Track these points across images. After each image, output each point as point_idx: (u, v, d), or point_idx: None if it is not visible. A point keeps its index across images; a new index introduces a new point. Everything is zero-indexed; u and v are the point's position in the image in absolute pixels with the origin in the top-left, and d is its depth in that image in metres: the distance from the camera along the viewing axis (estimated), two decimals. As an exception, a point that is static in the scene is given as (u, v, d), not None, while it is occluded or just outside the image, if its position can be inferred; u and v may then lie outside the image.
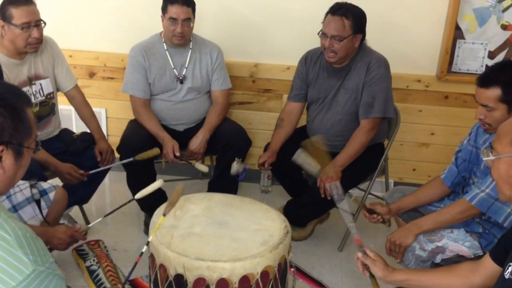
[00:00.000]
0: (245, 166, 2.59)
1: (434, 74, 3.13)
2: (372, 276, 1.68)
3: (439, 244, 1.93)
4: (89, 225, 2.22)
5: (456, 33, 3.00)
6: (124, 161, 2.57)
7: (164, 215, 1.87)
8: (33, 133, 1.27)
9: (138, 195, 2.10)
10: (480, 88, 1.85)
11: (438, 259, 1.92)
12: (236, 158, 2.56)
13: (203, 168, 2.69)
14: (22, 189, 2.11)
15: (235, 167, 2.54)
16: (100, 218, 2.15)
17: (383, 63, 2.57)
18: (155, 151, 2.57)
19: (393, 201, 2.26)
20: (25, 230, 1.14)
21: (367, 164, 2.70)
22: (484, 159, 1.36)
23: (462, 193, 2.10)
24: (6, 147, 1.19)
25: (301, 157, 2.49)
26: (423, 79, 3.13)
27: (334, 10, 2.48)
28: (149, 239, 1.79)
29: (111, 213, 2.18)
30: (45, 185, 2.21)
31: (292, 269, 1.93)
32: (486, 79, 1.85)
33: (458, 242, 1.91)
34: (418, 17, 3.04)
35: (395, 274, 1.63)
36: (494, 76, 1.83)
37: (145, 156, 2.54)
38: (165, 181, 2.94)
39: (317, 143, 2.48)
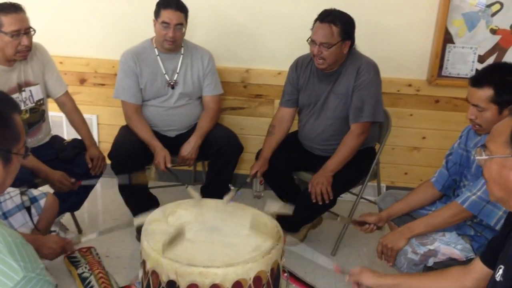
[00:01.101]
0: (238, 191, 2.58)
1: (424, 78, 3.15)
2: None
3: (431, 247, 1.93)
4: (82, 239, 2.16)
5: (446, 38, 3.02)
6: (120, 180, 2.57)
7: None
8: (21, 139, 1.26)
9: (136, 221, 2.07)
10: (473, 87, 1.86)
11: (430, 262, 1.93)
12: (232, 188, 2.58)
13: (195, 195, 2.49)
14: (12, 196, 2.09)
15: (229, 197, 2.45)
16: (94, 234, 2.13)
17: (373, 68, 2.59)
18: (152, 174, 2.59)
19: (385, 205, 2.26)
20: (15, 237, 1.13)
21: (358, 168, 2.70)
22: (476, 158, 1.36)
23: (453, 196, 2.11)
24: None
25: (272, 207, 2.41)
26: (414, 83, 3.15)
27: (322, 17, 2.49)
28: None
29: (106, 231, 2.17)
30: (35, 192, 2.19)
31: (285, 274, 1.93)
32: (479, 79, 1.85)
33: (450, 245, 1.92)
34: (408, 22, 3.06)
35: (385, 278, 1.64)
36: (487, 77, 1.84)
37: (143, 179, 2.54)
38: (156, 187, 2.96)
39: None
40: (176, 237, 1.85)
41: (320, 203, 2.48)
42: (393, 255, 1.99)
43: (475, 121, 1.88)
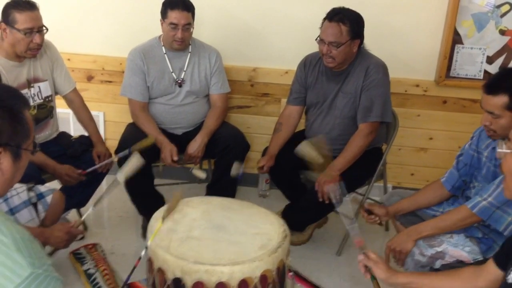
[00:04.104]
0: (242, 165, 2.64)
1: (432, 79, 3.13)
2: (373, 278, 1.68)
3: (439, 249, 1.92)
4: (82, 218, 2.19)
5: (455, 38, 3.00)
6: (120, 154, 2.55)
7: (163, 220, 1.87)
8: (31, 135, 1.26)
9: (121, 176, 2.11)
10: (487, 95, 1.82)
11: (437, 264, 1.92)
12: (236, 162, 2.58)
13: (201, 174, 2.67)
14: (19, 193, 2.10)
15: (236, 168, 2.55)
16: (91, 208, 2.13)
17: (382, 68, 2.58)
18: (150, 139, 2.55)
19: (391, 204, 2.25)
20: (22, 233, 1.13)
21: (365, 169, 2.69)
22: (498, 150, 1.34)
23: (461, 197, 2.10)
24: (4, 150, 1.18)
25: (306, 149, 2.48)
26: (422, 84, 3.14)
27: (331, 16, 2.48)
28: (147, 244, 1.78)
29: (100, 200, 2.18)
30: (42, 188, 2.21)
31: (291, 274, 1.93)
32: (493, 86, 1.82)
33: (458, 247, 1.91)
34: (417, 22, 3.05)
35: (398, 276, 1.63)
36: (501, 83, 1.80)
37: (141, 145, 2.53)
38: (162, 185, 2.96)
39: (319, 143, 2.48)
40: (175, 204, 1.86)
41: (327, 202, 2.47)
42: (402, 258, 1.97)
43: (489, 127, 1.85)
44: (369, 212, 2.19)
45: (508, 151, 1.28)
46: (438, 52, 3.08)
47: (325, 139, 2.52)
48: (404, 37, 3.08)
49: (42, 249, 1.17)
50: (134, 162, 2.17)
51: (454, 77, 3.09)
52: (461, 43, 3.03)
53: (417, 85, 3.14)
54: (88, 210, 2.15)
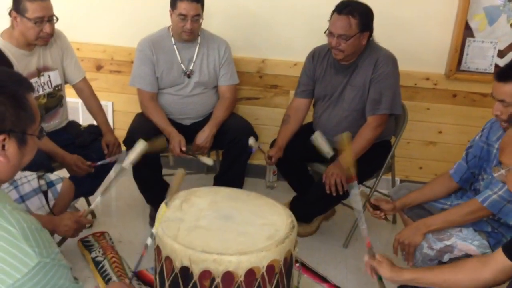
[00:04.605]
0: (259, 145, 2.72)
1: (442, 72, 3.11)
2: (379, 278, 1.68)
3: (448, 242, 1.91)
4: (91, 207, 2.21)
5: (466, 32, 2.98)
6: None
7: (166, 203, 1.87)
8: (36, 120, 1.23)
9: (127, 163, 2.13)
10: (498, 82, 1.80)
11: (445, 258, 1.91)
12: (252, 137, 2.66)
13: (208, 161, 2.68)
14: (30, 180, 2.12)
15: (252, 141, 2.64)
16: (99, 198, 2.14)
17: (391, 60, 2.56)
18: (161, 141, 2.52)
19: (399, 198, 2.25)
20: (31, 222, 1.13)
21: (373, 161, 2.69)
22: (495, 175, 1.36)
23: (469, 190, 2.09)
24: (8, 136, 1.16)
25: (320, 139, 2.49)
26: (432, 77, 3.12)
27: (340, 9, 2.46)
28: (153, 230, 1.79)
29: (107, 189, 2.19)
30: (52, 176, 2.23)
31: (298, 265, 1.93)
32: (504, 73, 1.80)
33: (466, 241, 1.90)
34: (428, 14, 3.02)
35: (403, 273, 1.63)
36: None
37: (152, 146, 2.52)
38: (170, 175, 2.97)
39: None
40: (178, 184, 1.87)
41: (334, 194, 2.47)
42: (411, 252, 1.97)
43: (500, 116, 1.83)
44: (375, 207, 2.18)
45: (504, 170, 1.30)
46: (449, 45, 3.06)
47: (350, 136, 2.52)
48: (414, 29, 3.06)
49: (50, 237, 1.17)
50: (138, 147, 2.18)
51: (465, 71, 3.06)
52: (472, 36, 3.00)
53: (427, 79, 3.12)
54: (96, 199, 2.17)
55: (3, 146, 1.15)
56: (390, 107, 2.55)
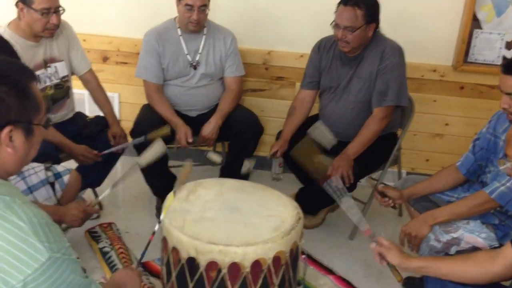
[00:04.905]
0: (254, 162, 2.66)
1: (450, 64, 3.09)
2: (390, 265, 1.68)
3: (455, 235, 1.91)
4: (99, 198, 2.23)
5: (473, 23, 2.95)
6: (136, 140, 2.57)
7: (174, 192, 1.87)
8: (41, 109, 1.21)
9: (142, 161, 2.13)
10: (505, 75, 1.77)
11: (452, 250, 1.91)
12: (246, 160, 2.63)
13: (216, 158, 2.67)
14: (37, 171, 2.13)
15: (246, 165, 2.58)
16: (108, 190, 2.14)
17: (398, 51, 2.55)
18: (166, 129, 2.58)
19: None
20: (41, 217, 1.12)
21: (379, 154, 2.68)
22: (501, 168, 1.35)
23: (477, 182, 2.08)
24: (14, 127, 1.14)
25: (318, 130, 2.48)
26: (439, 69, 3.10)
27: (346, 1, 2.45)
28: (161, 218, 1.80)
29: (117, 182, 2.19)
30: (59, 168, 2.24)
31: (304, 256, 1.94)
32: (511, 65, 1.79)
33: (474, 234, 1.90)
34: (435, 5, 3.00)
35: (411, 261, 1.63)
36: None
37: (157, 135, 2.55)
38: (176, 166, 2.98)
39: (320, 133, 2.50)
40: (186, 175, 1.87)
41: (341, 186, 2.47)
42: (417, 243, 1.97)
43: (509, 110, 1.82)
44: (383, 195, 2.18)
45: (509, 164, 1.29)
46: (456, 36, 3.03)
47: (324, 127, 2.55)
48: (421, 21, 3.04)
49: (61, 231, 1.17)
50: (157, 149, 2.17)
51: (472, 63, 3.05)
52: (480, 27, 2.98)
53: (434, 70, 3.11)
54: (104, 190, 2.18)
55: (10, 138, 1.14)
56: (396, 99, 2.54)
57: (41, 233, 1.09)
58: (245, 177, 2.66)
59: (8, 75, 1.14)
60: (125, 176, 2.20)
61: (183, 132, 2.66)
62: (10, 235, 1.06)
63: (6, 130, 1.13)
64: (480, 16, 2.95)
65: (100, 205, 2.85)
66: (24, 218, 1.09)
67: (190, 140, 2.67)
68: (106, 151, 2.57)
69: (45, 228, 1.11)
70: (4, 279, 1.04)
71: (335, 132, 2.71)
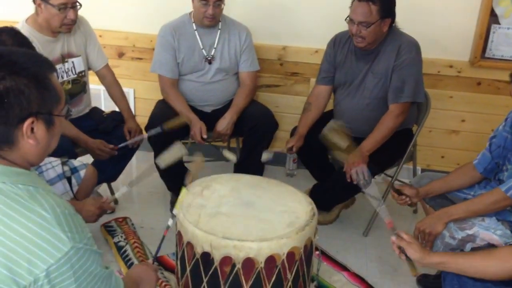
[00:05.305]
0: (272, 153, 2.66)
1: (467, 60, 3.06)
2: (408, 259, 1.67)
3: (470, 232, 1.89)
4: (115, 195, 2.25)
5: (491, 18, 2.92)
6: (152, 131, 2.58)
7: (185, 186, 1.87)
8: (61, 100, 1.21)
9: (161, 163, 2.14)
10: None
11: (467, 247, 1.89)
12: (265, 151, 2.62)
13: (231, 156, 2.65)
14: (54, 166, 2.16)
15: (265, 155, 2.58)
16: (125, 187, 2.16)
17: (414, 46, 2.53)
18: (181, 119, 2.58)
19: (421, 187, 2.22)
20: (64, 207, 1.13)
21: (394, 150, 2.66)
22: None
23: (494, 180, 2.06)
24: (36, 119, 1.15)
25: (332, 132, 2.48)
26: (455, 65, 3.07)
27: None
28: (174, 212, 1.80)
29: (134, 181, 2.22)
30: (76, 163, 2.27)
31: (318, 252, 1.94)
32: None
33: (489, 231, 1.87)
34: (452, 0, 2.96)
35: (431, 256, 1.62)
36: None
37: (173, 125, 2.55)
38: (190, 162, 2.99)
39: (339, 128, 2.48)
40: (197, 168, 1.88)
41: (355, 183, 2.46)
42: (431, 240, 1.95)
43: None
44: (399, 193, 2.17)
45: None
46: (473, 32, 3.00)
47: (341, 125, 2.52)
48: (438, 16, 3.00)
49: (83, 222, 1.18)
50: (177, 152, 2.17)
51: (489, 58, 3.01)
52: (498, 23, 2.94)
53: (451, 66, 3.07)
54: (121, 187, 2.19)
55: (32, 129, 1.15)
56: (412, 95, 2.52)
57: (64, 223, 1.10)
58: (262, 166, 2.65)
59: (27, 67, 1.14)
60: (143, 176, 2.22)
61: (198, 128, 2.67)
62: (34, 225, 1.07)
63: (28, 122, 1.14)
64: (498, 11, 2.91)
65: (116, 200, 2.87)
66: (47, 208, 1.10)
67: (205, 136, 2.68)
68: (122, 144, 2.59)
69: (68, 218, 1.12)
70: (28, 269, 1.05)
71: (350, 128, 2.70)
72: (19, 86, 1.11)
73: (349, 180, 2.45)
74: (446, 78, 3.10)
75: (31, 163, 1.21)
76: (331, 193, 2.72)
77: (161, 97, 2.91)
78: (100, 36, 3.27)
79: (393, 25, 2.54)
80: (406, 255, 1.67)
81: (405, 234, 1.69)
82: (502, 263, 1.48)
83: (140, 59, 3.41)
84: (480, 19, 2.93)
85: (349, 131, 2.48)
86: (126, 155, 2.72)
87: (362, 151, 2.50)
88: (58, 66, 2.51)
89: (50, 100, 1.17)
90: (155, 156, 2.72)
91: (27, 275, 1.05)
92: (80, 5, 2.47)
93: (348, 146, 2.44)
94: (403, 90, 2.51)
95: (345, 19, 2.50)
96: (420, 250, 1.63)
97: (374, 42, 2.52)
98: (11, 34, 1.97)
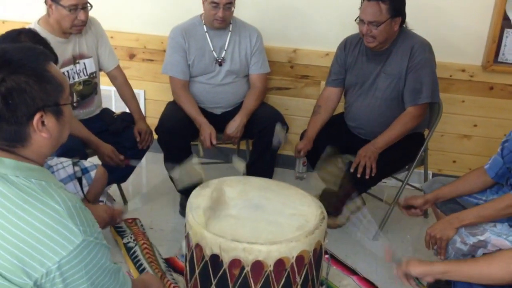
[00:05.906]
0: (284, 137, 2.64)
1: (479, 64, 3.03)
2: (419, 282, 1.65)
3: (481, 238, 1.87)
4: (129, 207, 2.23)
5: (504, 22, 2.89)
6: (132, 204, 2.34)
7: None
8: (65, 88, 1.21)
9: (179, 186, 2.13)
10: None
11: (479, 253, 1.86)
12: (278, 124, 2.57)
13: (240, 168, 2.57)
14: (65, 166, 2.17)
15: (278, 133, 2.56)
16: (139, 202, 2.17)
17: (427, 46, 2.52)
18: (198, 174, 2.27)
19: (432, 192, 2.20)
20: (75, 201, 1.15)
21: (405, 154, 2.65)
22: None
23: (506, 185, 2.03)
24: (44, 112, 1.15)
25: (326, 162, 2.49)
26: (468, 69, 3.04)
27: None
28: (183, 244, 1.78)
29: (146, 193, 2.22)
30: (86, 163, 2.27)
31: (327, 256, 1.92)
32: None
33: (501, 236, 1.85)
34: (465, 4, 2.94)
35: (434, 266, 1.60)
36: None
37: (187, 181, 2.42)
38: (199, 164, 3.00)
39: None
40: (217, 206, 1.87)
41: (367, 177, 2.44)
42: (443, 246, 1.93)
43: None
44: (409, 207, 2.15)
45: None
46: (486, 36, 2.97)
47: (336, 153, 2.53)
48: (450, 19, 2.98)
49: (93, 217, 1.19)
50: (196, 178, 2.07)
51: (502, 63, 2.98)
52: (511, 27, 2.91)
53: (463, 70, 3.05)
54: (135, 200, 2.19)
55: (42, 123, 1.16)
56: (431, 95, 2.51)
57: (76, 217, 1.12)
58: (271, 161, 2.66)
59: (24, 64, 1.14)
60: (156, 189, 2.21)
61: (208, 133, 2.67)
62: (47, 217, 1.09)
63: (37, 117, 1.15)
64: (511, 15, 2.88)
65: (125, 201, 2.89)
66: (60, 201, 1.12)
67: (215, 142, 2.67)
68: (131, 162, 2.62)
69: (79, 211, 1.14)
70: (41, 261, 1.06)
71: (361, 130, 2.69)
72: (20, 85, 1.12)
73: (359, 175, 2.43)
74: (458, 82, 3.08)
75: (45, 155, 1.23)
76: (341, 197, 2.70)
77: (171, 99, 2.91)
78: (111, 37, 3.28)
79: (404, 25, 2.54)
80: (414, 280, 1.64)
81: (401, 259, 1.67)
82: (506, 265, 1.46)
83: (151, 60, 3.42)
84: (493, 24, 2.90)
85: (342, 160, 2.49)
86: (136, 156, 2.72)
87: (374, 146, 2.49)
88: (69, 67, 2.53)
89: (53, 91, 1.17)
90: (165, 158, 2.73)
91: (40, 267, 1.07)
92: (91, 6, 2.48)
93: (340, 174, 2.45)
94: (421, 91, 2.49)
95: (355, 20, 2.50)
96: (420, 264, 1.61)
97: (386, 42, 2.51)
98: (29, 35, 2.00)
